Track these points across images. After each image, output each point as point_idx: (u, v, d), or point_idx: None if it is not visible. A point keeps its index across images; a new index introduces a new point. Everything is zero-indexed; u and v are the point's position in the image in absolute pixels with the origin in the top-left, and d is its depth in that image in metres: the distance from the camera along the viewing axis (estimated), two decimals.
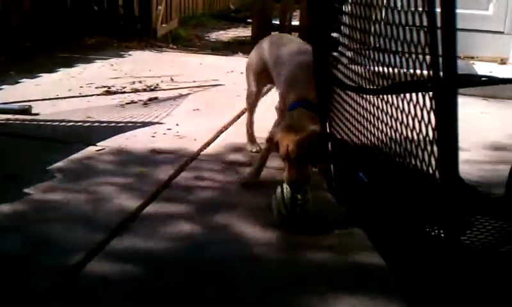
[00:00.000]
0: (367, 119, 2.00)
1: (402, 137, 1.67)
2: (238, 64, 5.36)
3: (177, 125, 3.57)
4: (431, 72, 1.37)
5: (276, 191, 2.35)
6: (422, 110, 1.48)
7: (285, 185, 2.34)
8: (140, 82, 4.69)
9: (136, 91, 4.42)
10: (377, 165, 2.01)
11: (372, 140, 1.97)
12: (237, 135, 3.39)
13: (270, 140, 2.56)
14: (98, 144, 3.19)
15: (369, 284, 1.96)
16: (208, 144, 3.26)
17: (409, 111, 1.59)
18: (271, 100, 3.20)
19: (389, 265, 2.00)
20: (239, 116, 3.73)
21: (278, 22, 6.97)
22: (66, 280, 1.93)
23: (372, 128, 1.96)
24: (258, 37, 6.68)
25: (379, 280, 1.97)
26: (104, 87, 4.47)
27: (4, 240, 2.20)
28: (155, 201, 2.54)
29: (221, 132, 3.47)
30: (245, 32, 8.05)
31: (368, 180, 2.12)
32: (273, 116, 2.87)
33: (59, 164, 2.91)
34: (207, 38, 7.65)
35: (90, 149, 3.11)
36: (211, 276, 1.99)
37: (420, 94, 1.50)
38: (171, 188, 2.68)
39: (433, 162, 1.46)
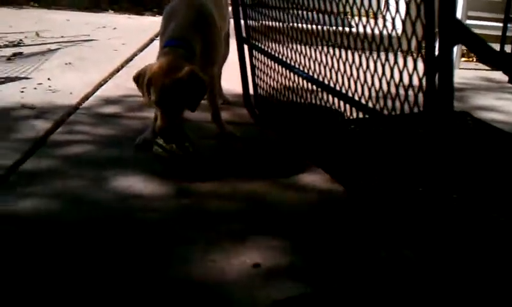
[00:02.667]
0: None
1: None
2: (110, 20, 5.04)
3: (49, 79, 3.23)
4: None
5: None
6: None
7: None
8: (0, 38, 4.19)
9: None
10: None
11: None
12: (118, 88, 3.15)
13: (136, 80, 2.28)
14: None
15: None
16: (86, 97, 2.99)
17: None
18: None
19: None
20: (118, 70, 3.48)
21: None
22: None
23: None
24: None
25: None
26: None
27: None
28: (31, 158, 2.26)
29: (99, 85, 3.21)
30: None
31: None
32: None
33: None
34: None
35: None
36: (90, 235, 1.80)
37: None
38: (47, 145, 2.40)
39: None
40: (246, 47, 2.79)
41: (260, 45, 2.64)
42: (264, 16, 2.53)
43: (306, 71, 2.29)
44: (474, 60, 4.51)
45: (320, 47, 2.17)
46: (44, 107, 2.81)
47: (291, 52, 2.41)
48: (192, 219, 1.90)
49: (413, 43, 1.54)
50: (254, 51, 2.73)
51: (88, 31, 4.53)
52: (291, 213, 1.96)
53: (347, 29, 2.01)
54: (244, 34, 2.76)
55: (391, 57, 1.75)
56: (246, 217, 1.93)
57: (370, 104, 1.96)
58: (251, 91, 2.89)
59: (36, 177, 2.11)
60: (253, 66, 2.75)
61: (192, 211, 1.96)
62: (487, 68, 3.94)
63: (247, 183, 2.17)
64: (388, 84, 1.77)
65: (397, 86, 1.72)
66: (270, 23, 2.48)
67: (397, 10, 1.60)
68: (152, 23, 5.10)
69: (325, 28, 2.13)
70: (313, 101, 2.33)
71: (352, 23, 1.92)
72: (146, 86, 2.18)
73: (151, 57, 2.86)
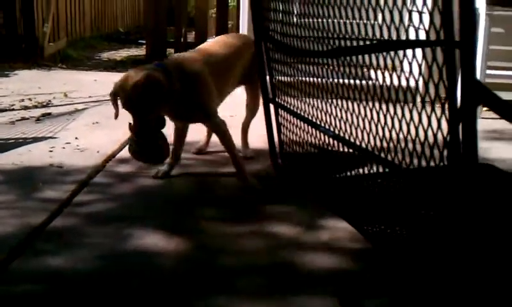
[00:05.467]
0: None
1: None
2: None
3: (76, 138, 3.32)
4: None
5: None
6: None
7: None
8: (30, 99, 4.34)
9: (26, 107, 4.08)
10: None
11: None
12: None
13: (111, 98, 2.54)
14: None
15: None
16: (112, 155, 3.06)
17: None
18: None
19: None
20: None
21: (172, 40, 6.90)
22: None
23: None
24: (152, 55, 6.65)
25: None
26: None
27: None
28: (61, 217, 2.31)
29: (126, 143, 3.28)
30: (138, 51, 7.85)
31: None
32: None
33: None
34: (98, 57, 7.34)
35: None
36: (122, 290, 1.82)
37: None
38: (75, 204, 2.45)
39: None
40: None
41: (285, 103, 2.67)
42: (289, 70, 2.57)
43: (330, 128, 2.30)
44: None
45: (341, 103, 2.19)
46: (72, 165, 2.88)
47: (313, 109, 2.44)
48: (210, 275, 1.90)
49: (431, 91, 1.55)
50: (280, 110, 2.76)
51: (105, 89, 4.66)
52: (314, 271, 1.94)
53: (369, 82, 2.03)
54: (270, 94, 2.80)
55: (402, 108, 1.77)
56: (264, 273, 1.92)
57: (393, 158, 1.96)
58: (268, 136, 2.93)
59: (63, 236, 2.15)
60: (278, 124, 2.78)
61: (210, 266, 1.96)
62: None
63: (266, 238, 2.16)
64: (413, 140, 1.77)
65: (422, 141, 1.73)
66: (296, 78, 2.51)
67: (420, 65, 1.63)
68: None
69: (346, 81, 2.16)
70: (338, 157, 2.34)
71: (373, 76, 1.95)
72: (113, 98, 2.49)
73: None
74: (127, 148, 3.19)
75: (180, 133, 2.88)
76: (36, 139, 3.30)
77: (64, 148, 3.16)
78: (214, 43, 3.06)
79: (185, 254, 2.05)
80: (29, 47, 6.33)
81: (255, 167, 2.96)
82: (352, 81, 2.12)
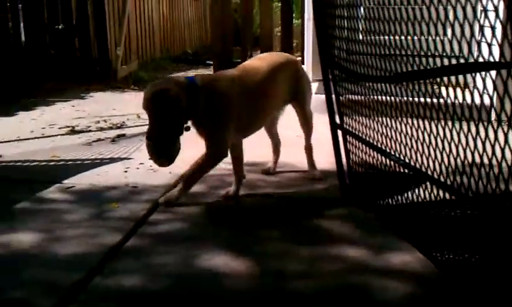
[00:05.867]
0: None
1: None
2: None
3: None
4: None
5: None
6: None
7: None
8: (105, 121, 4.54)
9: (101, 129, 4.28)
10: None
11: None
12: None
13: None
14: (66, 181, 3.03)
15: None
16: (183, 176, 3.13)
17: None
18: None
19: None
20: None
21: (239, 60, 7.02)
22: None
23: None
24: None
25: None
26: (68, 127, 4.31)
27: None
28: (135, 236, 2.40)
29: None
30: (206, 72, 8.03)
31: None
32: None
33: (24, 204, 2.73)
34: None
35: (57, 188, 2.94)
36: None
37: None
38: (149, 223, 2.54)
39: None
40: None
41: (352, 129, 2.65)
42: (356, 90, 2.55)
43: (400, 156, 2.26)
44: None
45: (410, 131, 2.15)
46: (145, 185, 2.99)
47: (382, 136, 2.39)
48: (279, 299, 1.90)
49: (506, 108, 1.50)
50: (348, 136, 2.74)
51: None
52: (387, 297, 1.91)
53: (439, 100, 1.98)
54: (337, 120, 2.79)
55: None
56: (335, 298, 1.90)
57: (462, 184, 1.90)
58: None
59: (137, 255, 2.23)
60: (347, 149, 2.75)
61: (280, 290, 1.96)
62: None
63: (335, 260, 2.15)
64: (488, 162, 1.72)
65: (498, 162, 1.67)
66: (364, 97, 2.49)
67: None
68: None
69: (415, 100, 2.12)
70: (407, 183, 2.30)
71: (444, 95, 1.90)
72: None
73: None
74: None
75: (235, 155, 2.91)
76: (112, 160, 3.45)
77: (138, 168, 3.27)
78: (256, 60, 3.11)
79: (254, 277, 2.07)
80: (103, 70, 6.63)
81: (322, 187, 2.95)
82: (422, 99, 2.08)
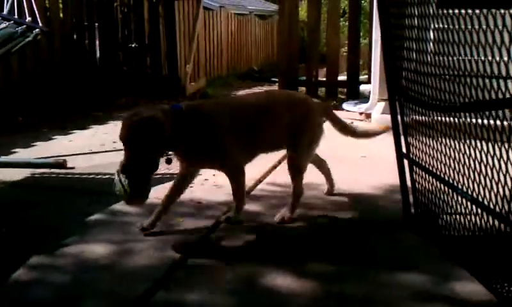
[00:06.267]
0: None
1: None
2: None
3: (214, 175, 3.50)
4: None
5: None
6: None
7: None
8: None
9: None
10: None
11: None
12: (275, 181, 3.32)
13: None
14: None
15: None
16: (247, 192, 3.17)
17: None
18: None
19: None
20: (275, 166, 3.66)
21: (304, 78, 7.05)
22: None
23: None
24: None
25: None
26: None
27: (40, 289, 2.12)
28: (198, 252, 2.46)
29: (259, 181, 3.40)
30: (271, 89, 8.11)
31: None
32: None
33: (96, 216, 2.86)
34: (233, 95, 7.72)
35: None
36: None
37: None
38: (212, 239, 2.60)
39: None
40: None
41: (419, 160, 2.60)
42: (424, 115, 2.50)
43: (468, 192, 2.19)
44: None
45: (479, 166, 2.08)
46: (210, 201, 3.05)
47: (449, 169, 2.32)
48: None
49: None
50: (414, 166, 2.68)
51: None
52: None
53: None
54: (404, 149, 2.74)
55: None
56: None
57: None
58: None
59: (201, 270, 2.28)
60: (413, 179, 2.69)
61: None
62: None
63: (397, 287, 2.11)
64: None
65: None
66: (431, 118, 2.43)
67: None
68: None
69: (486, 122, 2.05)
70: (472, 217, 2.22)
71: None
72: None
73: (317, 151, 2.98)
74: (259, 186, 3.33)
75: (179, 183, 2.77)
76: None
77: (203, 184, 3.35)
78: (251, 95, 2.98)
79: (316, 298, 2.07)
80: (173, 87, 6.85)
81: (385, 210, 2.91)
82: (492, 122, 2.02)
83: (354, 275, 2.22)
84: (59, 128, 4.98)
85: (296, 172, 2.82)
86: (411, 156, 2.65)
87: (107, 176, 3.58)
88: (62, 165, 3.76)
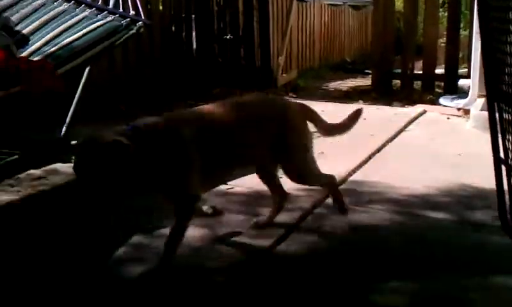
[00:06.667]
0: None
1: None
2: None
3: None
4: None
5: None
6: None
7: None
8: None
9: None
10: None
11: None
12: (364, 179, 3.31)
13: None
14: (228, 183, 3.22)
15: None
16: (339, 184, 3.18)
17: None
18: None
19: None
20: (365, 161, 3.63)
21: (399, 71, 6.85)
22: None
23: None
24: (378, 86, 6.71)
25: None
26: None
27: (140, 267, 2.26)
28: (285, 242, 2.51)
29: (348, 175, 3.39)
30: (364, 81, 7.97)
31: None
32: None
33: None
34: (325, 87, 7.69)
35: (220, 187, 3.15)
36: None
37: None
38: (299, 230, 2.63)
39: None
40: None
41: None
42: None
43: None
44: None
45: None
46: (298, 193, 3.07)
47: None
48: None
49: None
50: None
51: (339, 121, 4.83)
52: None
53: None
54: (502, 155, 2.62)
55: None
56: None
57: None
58: None
59: (286, 260, 2.34)
60: (510, 186, 2.58)
61: None
62: None
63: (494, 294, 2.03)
64: None
65: None
66: None
67: None
68: (400, 114, 5.22)
69: None
70: None
71: None
72: None
73: (399, 148, 2.93)
74: (350, 180, 3.32)
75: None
76: None
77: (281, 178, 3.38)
78: (221, 105, 2.51)
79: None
80: (265, 78, 6.94)
81: (479, 216, 2.79)
82: None
83: (446, 277, 2.17)
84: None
85: (310, 180, 2.63)
86: (509, 162, 2.54)
87: None
88: None
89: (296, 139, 2.52)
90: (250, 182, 3.24)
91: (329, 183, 2.70)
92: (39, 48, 3.22)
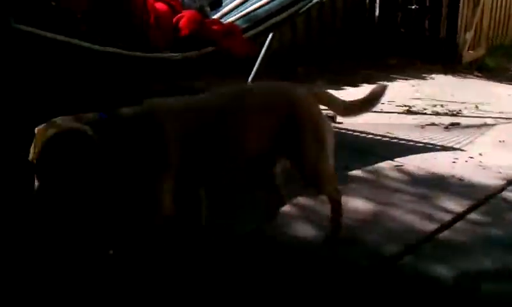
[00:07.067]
0: None
1: None
2: None
3: (480, 154, 3.34)
4: None
5: None
6: None
7: None
8: (441, 105, 4.56)
9: (436, 113, 4.32)
10: None
11: None
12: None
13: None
14: (397, 159, 3.20)
15: None
16: None
17: None
18: None
19: None
20: None
21: None
22: None
23: None
24: None
25: None
26: (405, 106, 4.49)
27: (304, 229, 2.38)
28: (450, 230, 2.42)
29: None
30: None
31: None
32: None
33: (356, 172, 3.01)
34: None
35: (388, 164, 3.14)
36: None
37: None
38: (467, 220, 2.52)
39: None
40: None
41: None
42: None
43: None
44: None
45: None
46: (471, 181, 2.94)
47: None
48: None
49: None
50: None
51: None
52: None
53: None
54: None
55: None
56: None
57: None
58: None
59: (448, 248, 2.27)
60: None
61: None
62: None
63: None
64: None
65: None
66: None
67: None
68: None
69: None
70: None
71: None
72: None
73: None
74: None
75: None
76: (442, 148, 3.48)
77: (467, 161, 3.23)
78: (222, 92, 2.14)
79: None
80: (448, 53, 6.56)
81: None
82: None
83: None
84: (333, 83, 5.27)
85: (321, 183, 2.20)
86: None
87: (370, 136, 3.72)
88: (332, 118, 4.01)
89: (307, 132, 2.11)
90: (419, 162, 3.17)
91: (339, 197, 2.27)
92: (229, 12, 3.44)
